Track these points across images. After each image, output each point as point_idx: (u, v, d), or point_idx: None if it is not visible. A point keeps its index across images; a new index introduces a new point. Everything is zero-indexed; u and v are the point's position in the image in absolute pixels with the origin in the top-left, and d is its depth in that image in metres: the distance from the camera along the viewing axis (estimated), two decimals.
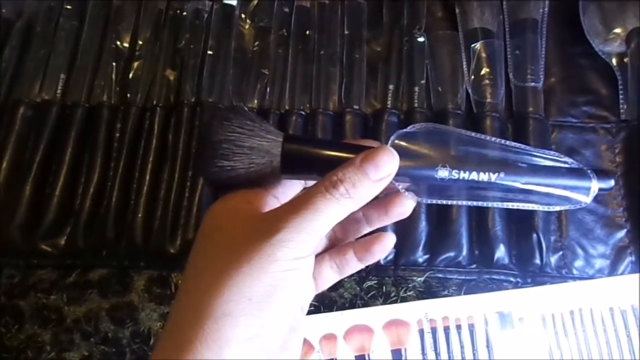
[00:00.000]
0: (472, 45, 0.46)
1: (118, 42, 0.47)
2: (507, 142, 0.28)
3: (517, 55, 0.46)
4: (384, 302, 0.40)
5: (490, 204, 0.28)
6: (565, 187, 0.27)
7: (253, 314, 0.23)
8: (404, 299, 0.40)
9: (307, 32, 0.47)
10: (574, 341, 0.38)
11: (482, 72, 0.45)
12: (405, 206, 0.29)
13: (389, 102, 0.45)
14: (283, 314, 0.24)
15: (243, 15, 0.48)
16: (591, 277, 0.41)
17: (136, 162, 0.43)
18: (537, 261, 0.40)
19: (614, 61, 0.45)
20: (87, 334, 0.40)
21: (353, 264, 0.30)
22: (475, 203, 0.28)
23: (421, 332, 0.39)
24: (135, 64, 0.46)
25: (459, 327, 0.39)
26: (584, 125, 0.45)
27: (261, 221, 0.25)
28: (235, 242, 0.24)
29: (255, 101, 0.46)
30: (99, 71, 0.46)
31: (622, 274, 0.41)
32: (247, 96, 0.46)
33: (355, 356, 0.38)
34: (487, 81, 0.45)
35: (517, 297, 0.39)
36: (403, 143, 0.27)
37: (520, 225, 0.41)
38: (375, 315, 0.39)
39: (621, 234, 0.42)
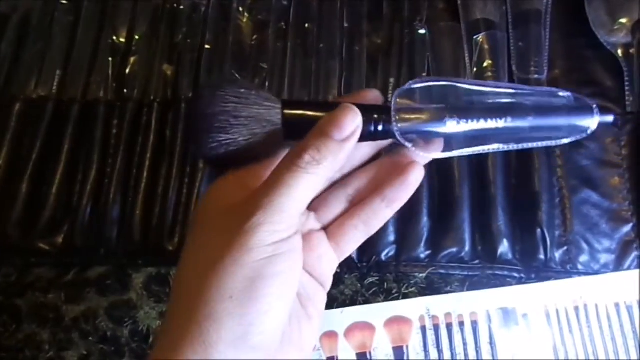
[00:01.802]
0: (475, 37, 0.45)
1: (114, 37, 0.47)
2: (509, 85, 0.28)
3: (521, 47, 0.45)
4: (386, 299, 0.40)
5: (500, 148, 0.28)
6: (569, 119, 0.28)
7: (237, 313, 0.22)
8: (405, 296, 0.40)
9: (307, 26, 0.47)
10: (579, 337, 0.38)
11: (485, 64, 0.44)
12: (420, 168, 0.28)
13: (389, 96, 0.45)
14: (273, 306, 0.23)
15: (241, 9, 0.47)
16: (596, 272, 0.40)
17: (134, 158, 0.43)
18: (542, 256, 0.40)
19: (619, 52, 0.44)
20: (86, 332, 0.39)
21: (382, 214, 0.28)
22: (484, 149, 0.28)
23: (423, 329, 0.38)
24: (132, 59, 0.46)
25: (461, 323, 0.38)
26: None
27: (236, 209, 0.23)
28: (212, 237, 0.23)
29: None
30: (95, 67, 0.45)
31: (628, 268, 0.40)
32: None
33: (357, 354, 0.38)
34: (489, 74, 0.44)
35: (520, 293, 0.39)
36: (406, 100, 0.27)
37: (524, 219, 0.41)
38: (377, 312, 0.39)
39: (627, 228, 0.41)
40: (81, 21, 0.47)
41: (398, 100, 0.26)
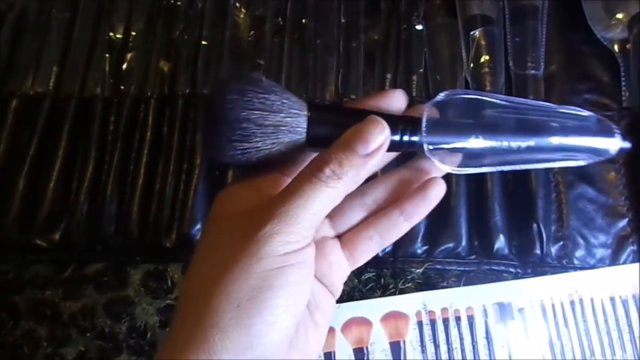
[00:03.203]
0: (471, 32, 0.45)
1: (111, 34, 0.46)
2: (535, 103, 0.28)
3: (517, 43, 0.45)
4: (382, 294, 0.40)
5: (521, 167, 0.28)
6: (592, 140, 0.28)
7: (244, 322, 0.21)
8: (402, 291, 0.40)
9: (304, 21, 0.47)
10: (574, 331, 0.38)
11: (482, 60, 0.44)
12: (441, 184, 0.27)
13: None
14: (280, 318, 0.22)
15: (238, 4, 0.47)
16: (592, 267, 0.40)
17: (131, 155, 0.42)
18: (538, 251, 0.40)
19: (616, 48, 0.44)
20: (84, 329, 0.40)
21: (399, 227, 0.27)
22: (505, 168, 0.28)
23: (420, 324, 0.38)
24: (129, 55, 0.45)
25: (458, 318, 0.38)
26: None
27: (250, 215, 0.23)
28: (223, 243, 0.23)
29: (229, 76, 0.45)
30: (92, 63, 0.45)
31: (623, 263, 0.40)
32: None
33: (354, 349, 0.38)
34: (486, 69, 0.44)
35: (516, 288, 0.39)
36: (435, 114, 0.26)
37: (520, 215, 0.41)
38: (374, 307, 0.39)
39: (623, 223, 0.41)
40: (78, 17, 0.46)
41: (427, 112, 0.26)
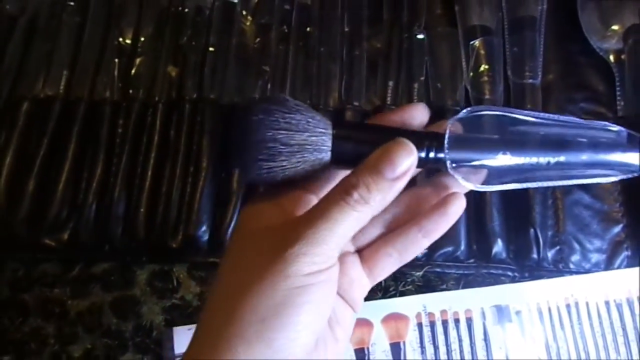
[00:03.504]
0: (471, 42, 0.46)
1: (120, 39, 0.47)
2: (562, 118, 0.27)
3: (516, 53, 0.46)
4: (383, 296, 0.40)
5: (548, 184, 0.27)
6: (622, 156, 0.27)
7: (267, 337, 0.22)
8: (402, 293, 0.41)
9: (308, 29, 0.48)
10: (570, 334, 0.39)
11: (481, 69, 0.45)
12: (461, 200, 0.27)
13: (388, 99, 0.46)
14: (302, 334, 0.22)
15: (244, 12, 0.48)
16: (588, 271, 0.41)
17: (138, 157, 0.43)
18: (535, 256, 0.41)
19: (611, 58, 0.46)
20: (90, 327, 0.40)
21: (418, 244, 0.27)
22: (532, 185, 0.27)
23: (420, 325, 0.39)
24: (138, 60, 0.46)
25: (457, 320, 0.39)
26: None
27: (277, 233, 0.23)
28: (250, 258, 0.23)
29: (256, 97, 0.46)
30: (101, 67, 0.46)
31: (618, 268, 0.41)
32: (248, 92, 0.46)
33: (355, 349, 0.39)
34: (485, 78, 0.45)
35: (514, 291, 0.40)
36: (459, 131, 0.26)
37: (518, 220, 0.42)
38: (375, 309, 0.39)
39: (617, 228, 0.42)
40: (88, 22, 0.47)
41: (451, 128, 0.25)
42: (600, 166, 0.27)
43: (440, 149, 0.25)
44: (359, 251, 0.28)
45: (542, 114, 0.28)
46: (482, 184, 0.27)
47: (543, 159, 0.26)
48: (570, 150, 0.26)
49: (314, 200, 0.26)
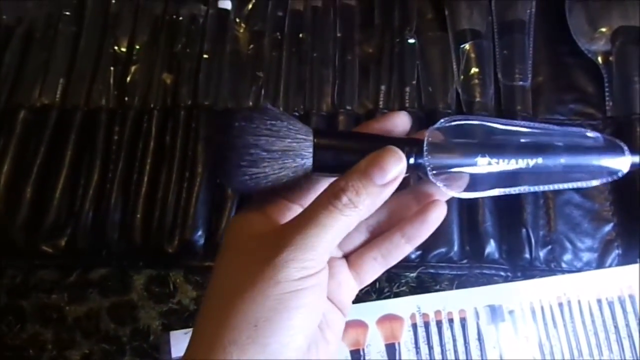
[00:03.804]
0: (461, 45, 0.47)
1: (116, 47, 0.48)
2: (538, 125, 0.28)
3: (505, 55, 0.46)
4: (378, 298, 0.41)
5: (528, 189, 0.28)
6: (600, 159, 0.28)
7: (260, 342, 0.22)
8: (397, 294, 0.41)
9: (301, 35, 0.48)
10: (563, 332, 0.39)
11: (472, 72, 0.46)
12: (442, 207, 0.27)
13: (380, 103, 0.46)
14: (294, 338, 0.23)
15: (238, 20, 0.49)
16: (579, 270, 0.42)
17: (134, 164, 0.44)
18: (527, 255, 0.41)
19: (599, 60, 0.46)
20: (88, 332, 0.41)
21: (401, 249, 0.28)
22: (512, 190, 0.27)
23: (414, 326, 0.40)
24: (133, 68, 0.47)
25: (451, 320, 0.40)
26: (571, 123, 0.46)
27: (267, 240, 0.24)
28: (242, 265, 0.24)
29: (250, 103, 0.47)
30: (97, 75, 0.47)
31: (609, 266, 0.42)
32: (242, 98, 0.46)
33: (350, 351, 0.39)
34: (476, 81, 0.46)
35: (507, 291, 0.40)
36: (438, 139, 0.26)
37: (510, 220, 0.42)
38: (369, 310, 0.40)
39: (608, 227, 0.43)
40: (84, 31, 0.48)
41: (430, 135, 0.26)
42: (580, 170, 0.28)
43: (420, 154, 0.26)
44: (346, 256, 0.29)
45: (521, 122, 0.29)
46: (465, 190, 0.27)
47: (522, 162, 0.26)
48: (548, 154, 0.27)
49: (298, 209, 0.26)
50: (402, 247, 0.28)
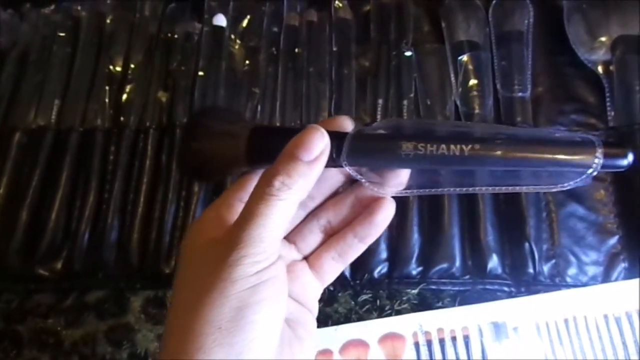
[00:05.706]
0: (459, 57, 0.46)
1: (111, 67, 0.48)
2: (487, 125, 0.27)
3: (504, 66, 0.46)
4: (379, 316, 0.40)
5: (479, 189, 0.26)
6: (560, 160, 0.24)
7: (227, 342, 0.22)
8: (398, 312, 0.40)
9: (296, 50, 0.48)
10: (569, 349, 0.38)
11: (470, 83, 0.45)
12: (387, 207, 0.27)
13: (378, 116, 0.46)
14: (260, 332, 0.23)
15: (233, 36, 0.49)
16: (585, 285, 0.41)
17: (131, 184, 0.44)
18: (530, 270, 0.41)
19: (599, 69, 0.46)
20: (85, 356, 0.40)
21: (355, 247, 0.28)
22: (464, 190, 0.26)
23: (417, 344, 0.39)
24: (128, 87, 0.47)
25: (454, 338, 0.39)
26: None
27: (219, 243, 0.24)
28: (197, 272, 0.24)
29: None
30: (92, 95, 0.47)
31: (615, 280, 0.41)
32: None
33: None
34: (475, 93, 0.45)
35: (510, 307, 0.39)
36: (364, 137, 0.26)
37: (512, 234, 0.41)
38: (371, 329, 0.39)
39: (613, 240, 0.42)
40: (78, 52, 0.48)
41: (357, 128, 0.26)
42: (540, 165, 0.24)
43: (341, 148, 0.26)
44: (306, 258, 0.29)
45: (478, 124, 0.27)
46: (407, 188, 0.27)
47: (456, 148, 0.24)
48: (488, 142, 0.24)
49: (240, 205, 0.26)
50: (356, 246, 0.28)
